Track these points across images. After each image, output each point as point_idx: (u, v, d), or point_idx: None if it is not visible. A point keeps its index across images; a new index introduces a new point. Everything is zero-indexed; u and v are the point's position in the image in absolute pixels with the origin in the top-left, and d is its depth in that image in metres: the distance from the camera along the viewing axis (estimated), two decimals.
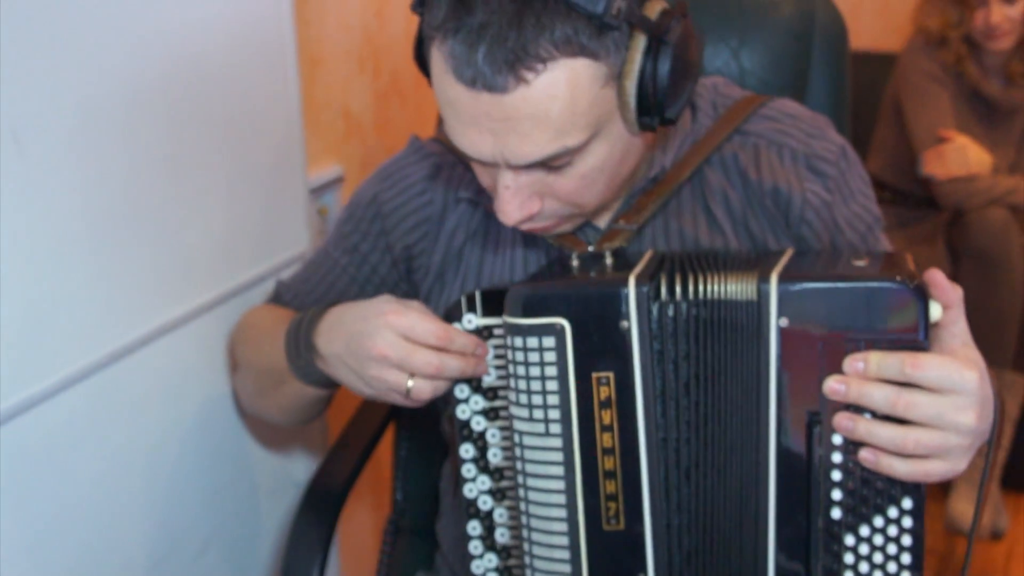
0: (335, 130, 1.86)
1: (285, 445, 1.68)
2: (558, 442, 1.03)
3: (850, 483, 1.00)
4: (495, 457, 1.14)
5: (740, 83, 1.46)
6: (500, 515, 1.15)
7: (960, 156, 2.69)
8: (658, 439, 1.03)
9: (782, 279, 0.98)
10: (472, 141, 1.00)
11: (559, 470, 1.04)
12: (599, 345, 1.01)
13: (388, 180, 1.29)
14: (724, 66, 1.50)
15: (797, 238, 1.19)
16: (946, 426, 0.95)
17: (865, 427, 0.97)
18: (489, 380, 1.13)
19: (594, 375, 1.02)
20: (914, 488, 0.99)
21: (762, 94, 1.27)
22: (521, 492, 1.06)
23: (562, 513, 1.04)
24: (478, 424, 1.14)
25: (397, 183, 1.28)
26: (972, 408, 0.95)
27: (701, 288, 1.01)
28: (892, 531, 1.00)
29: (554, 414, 1.03)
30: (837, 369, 0.97)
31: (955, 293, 0.98)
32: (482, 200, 1.22)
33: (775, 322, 0.98)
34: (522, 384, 1.03)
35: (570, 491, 1.04)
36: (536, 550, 1.06)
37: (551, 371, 1.02)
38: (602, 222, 1.20)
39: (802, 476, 1.01)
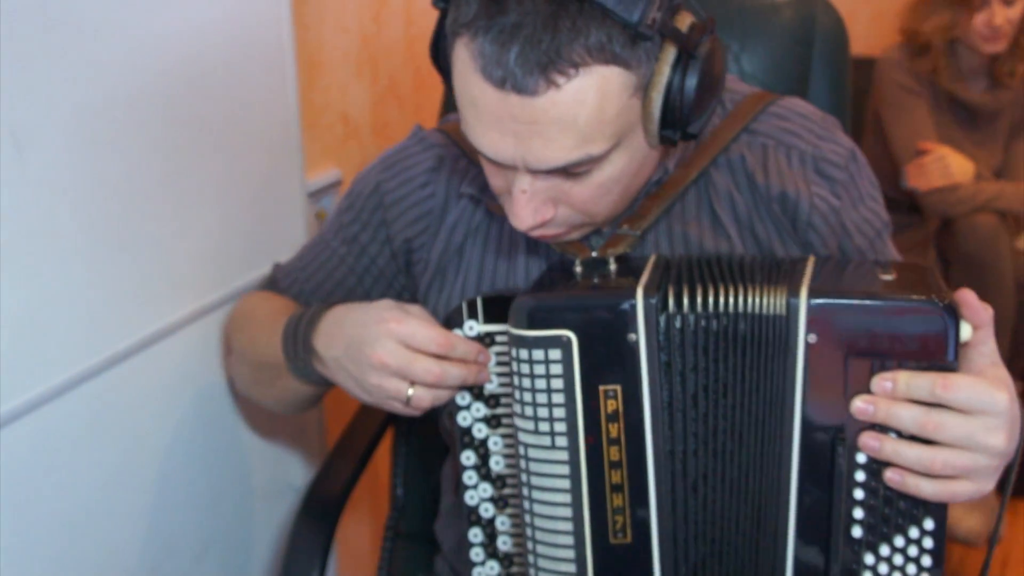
0: (333, 134, 1.86)
1: (283, 449, 1.67)
2: (564, 455, 1.02)
3: (872, 502, 0.99)
4: (497, 465, 1.14)
5: None
6: (502, 523, 1.14)
7: (941, 166, 2.69)
8: (665, 452, 1.02)
9: (812, 294, 0.97)
10: (493, 142, 0.98)
11: (565, 483, 1.02)
12: (606, 358, 1.00)
13: (391, 170, 1.27)
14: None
15: (803, 243, 1.18)
16: (975, 447, 0.94)
17: (892, 447, 0.96)
18: (491, 387, 1.12)
19: (601, 388, 1.00)
20: (937, 508, 0.99)
21: (767, 91, 1.25)
22: (526, 504, 1.05)
23: (568, 526, 1.03)
24: (479, 431, 1.13)
25: (399, 173, 1.27)
26: (1002, 429, 0.94)
27: (711, 299, 1.00)
28: (912, 551, 1.00)
29: (560, 427, 1.02)
30: (863, 386, 0.96)
31: (986, 313, 0.97)
32: (484, 198, 1.21)
33: (803, 338, 0.97)
34: (527, 396, 1.02)
35: (576, 504, 1.03)
36: (542, 563, 1.05)
37: (557, 384, 1.01)
38: (605, 226, 1.19)
39: (824, 493, 1.00)
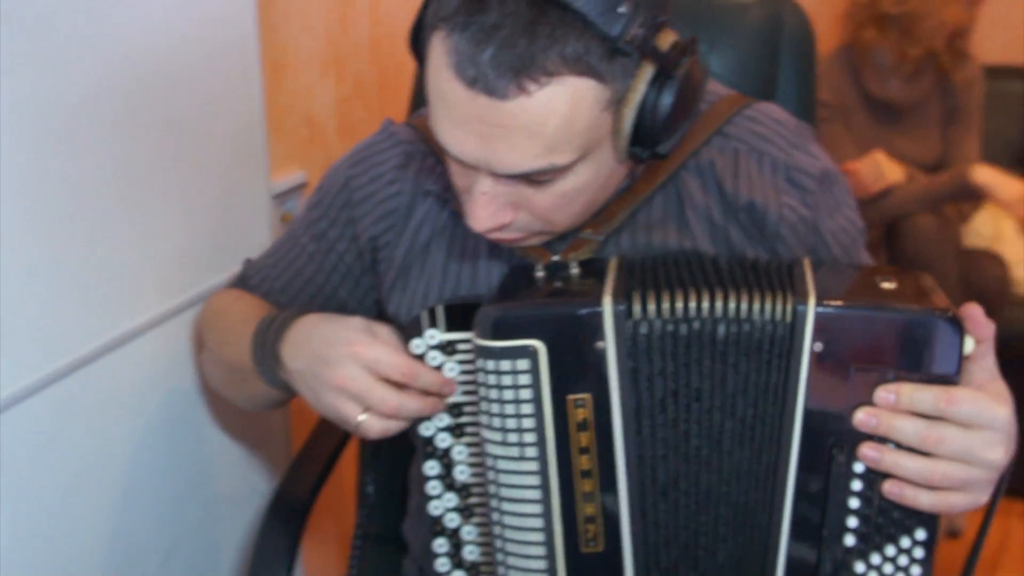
0: (298, 136, 1.84)
1: (248, 454, 1.66)
2: (534, 466, 1.01)
3: (867, 511, 1.00)
4: (462, 474, 1.13)
5: None
6: (468, 533, 1.14)
7: (874, 170, 2.71)
8: (635, 458, 1.02)
9: (820, 302, 0.96)
10: (458, 140, 0.97)
11: (536, 494, 1.02)
12: (574, 367, 0.99)
13: (360, 165, 1.26)
14: None
15: (771, 252, 1.17)
16: (974, 461, 0.95)
17: (892, 459, 0.97)
18: (454, 396, 1.10)
19: (570, 397, 1.00)
20: (930, 519, 0.99)
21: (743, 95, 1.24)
22: (496, 516, 1.04)
23: (539, 537, 1.03)
24: (443, 441, 1.12)
25: (368, 170, 1.25)
26: (1000, 444, 0.95)
27: (680, 304, 0.99)
28: (903, 560, 1.00)
29: (529, 437, 1.01)
30: (866, 397, 0.97)
31: (988, 329, 0.97)
32: (450, 196, 1.19)
33: (809, 346, 0.97)
34: (495, 408, 1.01)
35: (547, 515, 1.02)
36: (513, 574, 1.05)
37: (525, 394, 1.00)
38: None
39: (819, 501, 1.00)
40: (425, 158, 1.24)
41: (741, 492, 1.03)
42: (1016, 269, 2.91)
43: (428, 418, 1.12)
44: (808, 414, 0.98)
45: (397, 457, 1.54)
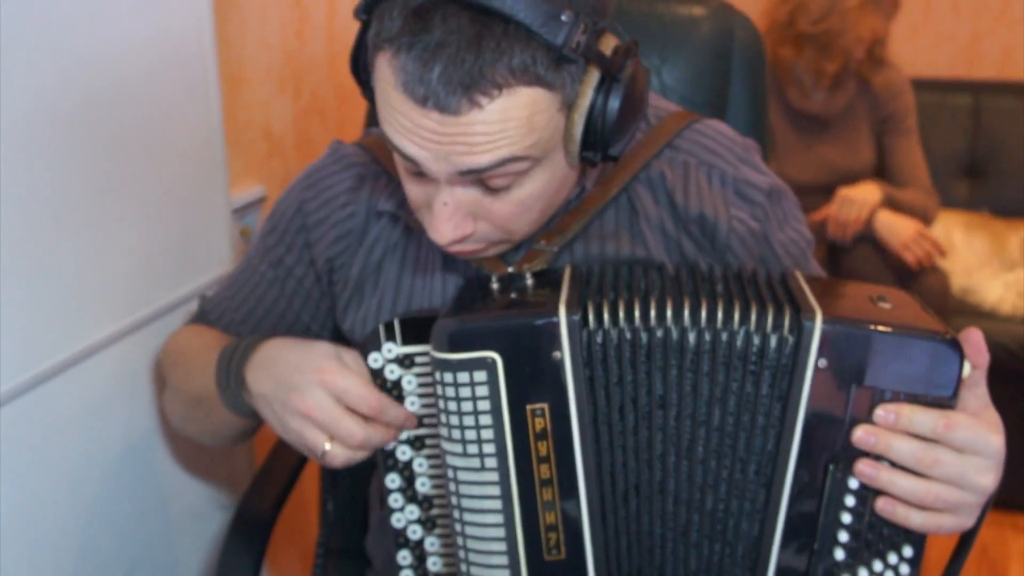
0: (257, 150, 1.85)
1: (211, 469, 1.66)
2: (495, 476, 1.02)
3: (857, 526, 1.00)
4: (423, 486, 1.13)
5: None
6: (432, 544, 1.14)
7: (849, 205, 2.74)
8: (594, 465, 1.02)
9: (827, 319, 0.97)
10: (416, 145, 0.97)
11: (497, 504, 1.02)
12: (532, 377, 1.00)
13: (312, 190, 1.26)
14: None
15: (722, 262, 1.18)
16: (966, 486, 0.97)
17: (887, 477, 0.98)
18: (413, 409, 1.11)
19: (528, 407, 1.00)
20: (918, 537, 1.01)
21: (691, 111, 1.26)
22: (458, 527, 1.04)
23: (502, 547, 1.03)
24: (403, 454, 1.13)
25: (320, 193, 1.26)
26: (992, 471, 0.97)
27: (637, 312, 1.00)
28: None
29: (489, 448, 1.01)
30: (865, 415, 0.98)
31: (985, 356, 0.99)
32: (402, 213, 1.20)
33: (813, 361, 0.97)
34: (454, 420, 1.01)
35: (509, 524, 1.02)
36: None
37: (484, 405, 1.00)
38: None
39: (813, 514, 1.01)
40: (377, 178, 1.24)
41: (718, 501, 1.04)
42: (957, 278, 2.95)
43: None
44: (807, 428, 0.99)
45: (358, 473, 1.54)
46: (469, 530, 1.04)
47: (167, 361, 1.38)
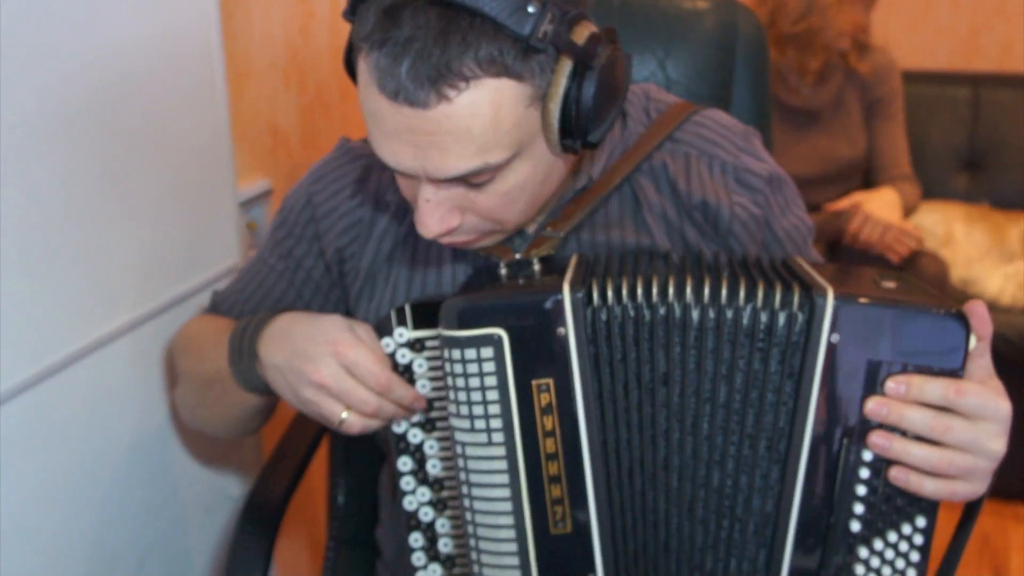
0: (262, 144, 1.86)
1: (220, 460, 1.67)
2: (501, 451, 1.04)
3: (872, 499, 1.02)
4: (434, 468, 1.15)
5: None
6: (443, 525, 1.16)
7: (873, 228, 2.74)
8: (599, 441, 1.04)
9: (839, 296, 0.99)
10: (394, 151, 1.00)
11: (504, 478, 1.04)
12: (537, 353, 1.02)
13: (320, 182, 1.28)
14: (651, 76, 1.53)
15: (725, 248, 1.20)
16: (978, 451, 0.99)
17: (900, 446, 1.00)
18: (424, 392, 1.13)
19: (534, 382, 1.02)
20: (930, 508, 1.02)
21: (692, 103, 1.27)
22: (466, 502, 1.06)
23: (509, 520, 1.05)
24: (415, 436, 1.14)
25: (329, 185, 1.28)
26: (1002, 435, 0.99)
27: (640, 290, 1.02)
28: (903, 547, 1.03)
29: (496, 423, 1.03)
30: (876, 388, 1.00)
31: (988, 327, 1.01)
32: (409, 206, 1.22)
33: (826, 337, 0.99)
34: (462, 396, 1.04)
35: (516, 498, 1.04)
36: (485, 558, 1.07)
37: (491, 381, 1.02)
38: (530, 229, 1.20)
39: (828, 488, 1.02)
40: (384, 170, 1.26)
41: (725, 477, 1.05)
42: (957, 270, 2.97)
43: None
44: (820, 403, 1.01)
45: (367, 465, 1.56)
46: (477, 505, 1.06)
47: (178, 350, 1.39)
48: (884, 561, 1.04)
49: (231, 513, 1.71)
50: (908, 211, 2.83)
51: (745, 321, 1.02)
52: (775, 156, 2.76)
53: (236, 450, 1.70)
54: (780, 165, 1.25)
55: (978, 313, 1.00)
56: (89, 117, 1.28)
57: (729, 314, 1.02)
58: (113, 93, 1.32)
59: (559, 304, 1.01)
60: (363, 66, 0.97)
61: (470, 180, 1.01)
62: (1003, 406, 0.99)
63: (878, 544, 1.03)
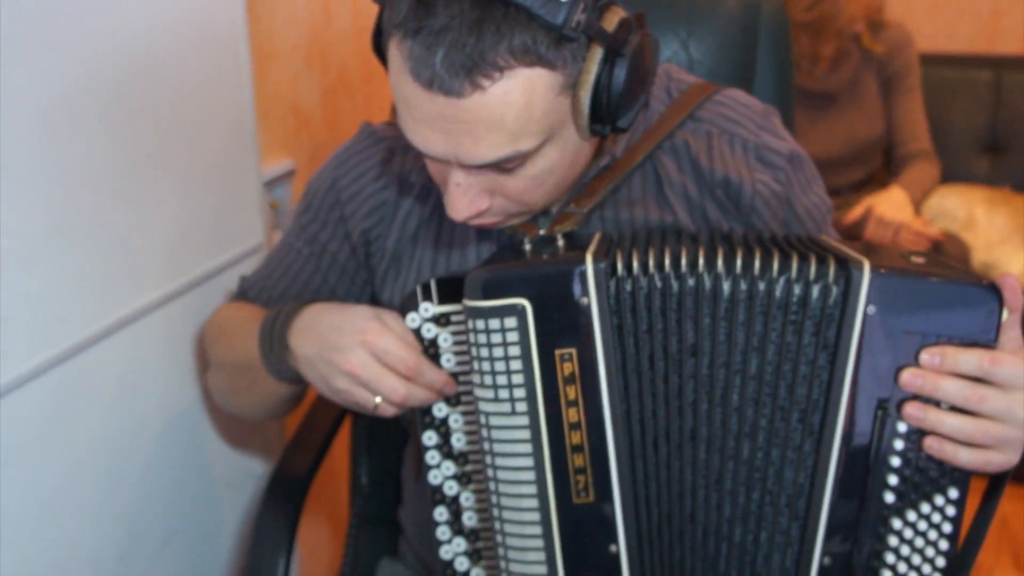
0: (285, 124, 1.87)
1: (243, 438, 1.68)
2: (525, 420, 1.04)
3: (906, 470, 1.03)
4: (459, 442, 1.16)
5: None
6: (467, 499, 1.16)
7: (885, 229, 2.75)
8: (622, 411, 1.05)
9: (875, 268, 1.00)
10: (425, 138, 1.01)
11: (527, 447, 1.05)
12: (560, 322, 1.03)
13: (344, 166, 1.29)
14: (673, 56, 1.53)
15: (747, 226, 1.21)
16: (1012, 420, 0.99)
17: (935, 416, 1.00)
18: (449, 367, 1.14)
19: (557, 352, 1.03)
20: (962, 479, 1.03)
21: (713, 82, 1.28)
22: (490, 472, 1.07)
23: (532, 489, 1.05)
24: (439, 411, 1.15)
25: (352, 169, 1.29)
26: None
27: (667, 262, 1.03)
28: (936, 518, 1.04)
29: (519, 393, 1.04)
30: (909, 358, 1.00)
31: (1020, 300, 1.01)
32: (434, 186, 1.23)
33: (863, 308, 1.00)
34: (486, 366, 1.04)
35: (539, 467, 1.05)
36: (508, 527, 1.07)
37: (514, 351, 1.03)
38: (553, 208, 1.21)
39: (862, 461, 1.03)
40: (407, 151, 1.27)
41: (756, 449, 1.05)
42: (978, 253, 2.96)
43: None
44: (855, 375, 1.01)
45: (390, 445, 1.57)
46: (501, 475, 1.06)
47: (209, 337, 1.41)
48: (917, 532, 1.04)
49: (255, 491, 1.72)
50: (926, 191, 2.82)
51: (778, 293, 1.02)
52: (795, 138, 2.77)
53: (259, 428, 1.72)
54: (800, 147, 1.25)
55: (1010, 285, 1.00)
56: (117, 100, 1.29)
57: (762, 286, 1.02)
58: (140, 76, 1.33)
59: (582, 275, 1.02)
60: (395, 53, 0.98)
61: (501, 166, 1.02)
62: None
63: (911, 515, 1.04)
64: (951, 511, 1.04)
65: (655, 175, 1.21)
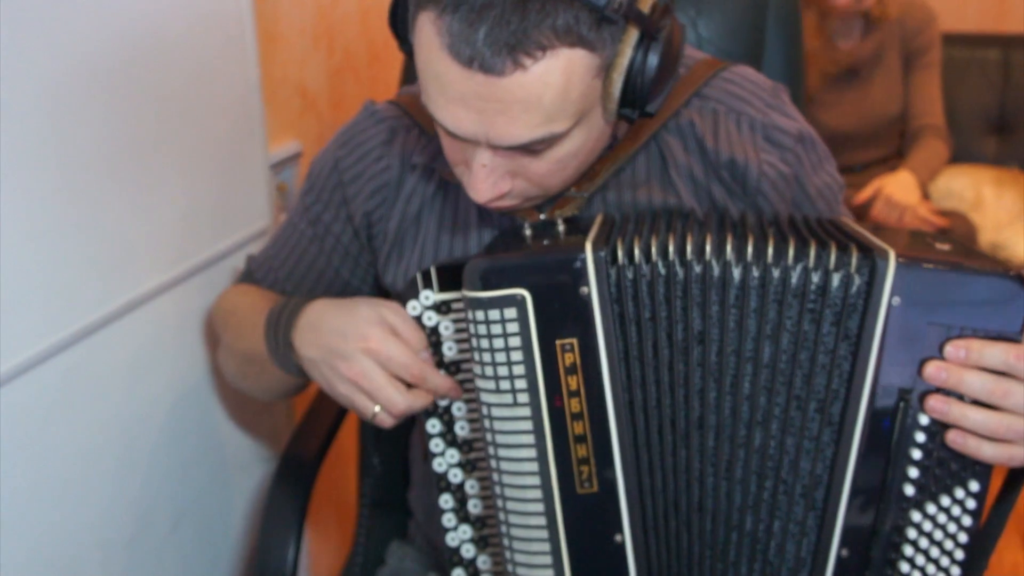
0: (292, 106, 1.86)
1: (252, 421, 1.68)
2: (527, 411, 1.03)
3: (927, 463, 1.01)
4: (462, 430, 1.15)
5: None
6: (472, 487, 1.16)
7: (891, 210, 2.74)
8: (625, 401, 1.04)
9: (900, 258, 0.98)
10: (456, 117, 0.98)
11: (529, 438, 1.04)
12: (560, 312, 1.02)
13: (346, 147, 1.28)
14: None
15: (753, 208, 1.19)
16: None
17: (959, 410, 0.99)
18: (451, 355, 1.13)
19: (558, 342, 1.02)
20: (984, 472, 1.01)
21: (718, 59, 1.26)
22: (493, 463, 1.06)
23: (535, 480, 1.05)
24: (443, 399, 1.15)
25: (355, 149, 1.27)
26: None
27: (671, 248, 1.02)
28: (956, 511, 1.02)
29: (521, 384, 1.03)
30: (933, 351, 0.99)
31: None
32: (437, 166, 1.22)
33: (887, 299, 0.98)
34: (487, 357, 1.03)
35: (542, 458, 1.04)
36: (512, 519, 1.07)
37: (515, 342, 1.02)
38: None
39: (883, 452, 1.02)
40: (409, 132, 1.26)
41: (768, 438, 1.04)
42: (987, 234, 2.95)
43: None
44: (877, 367, 1.00)
45: (398, 428, 1.57)
46: (504, 465, 1.06)
47: (219, 321, 1.41)
48: (937, 525, 1.03)
49: (263, 474, 1.73)
50: (935, 172, 2.81)
51: (794, 281, 1.01)
52: (815, 111, 2.76)
53: (268, 412, 1.72)
54: (821, 122, 1.23)
55: None
56: (123, 81, 1.29)
57: (776, 273, 1.00)
58: (147, 57, 1.33)
59: (582, 263, 1.01)
60: (429, 29, 0.95)
61: (530, 147, 1.01)
62: None
63: (931, 508, 1.03)
64: (972, 504, 1.02)
65: (660, 156, 1.19)
